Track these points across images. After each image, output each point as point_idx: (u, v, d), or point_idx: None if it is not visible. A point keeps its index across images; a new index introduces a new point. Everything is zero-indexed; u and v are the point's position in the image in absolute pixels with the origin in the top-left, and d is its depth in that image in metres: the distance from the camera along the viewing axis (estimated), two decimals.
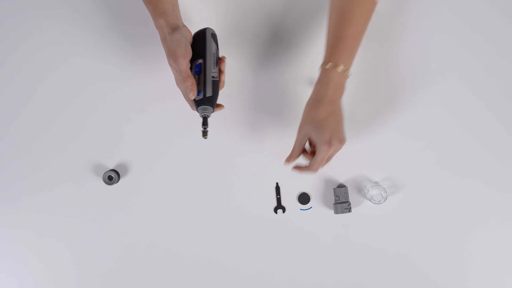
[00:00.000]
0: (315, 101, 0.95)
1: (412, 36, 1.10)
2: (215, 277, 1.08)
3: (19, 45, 1.10)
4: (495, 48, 1.10)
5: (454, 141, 1.09)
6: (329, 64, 0.94)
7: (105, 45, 1.10)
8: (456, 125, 1.09)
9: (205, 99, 0.94)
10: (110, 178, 1.06)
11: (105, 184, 1.07)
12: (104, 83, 1.10)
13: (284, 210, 1.09)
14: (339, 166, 1.08)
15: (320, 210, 1.08)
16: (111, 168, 1.09)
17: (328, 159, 0.97)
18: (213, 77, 0.95)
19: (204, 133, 0.94)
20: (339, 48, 0.95)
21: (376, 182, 1.08)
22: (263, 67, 1.10)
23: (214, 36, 0.98)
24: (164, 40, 0.93)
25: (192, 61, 0.95)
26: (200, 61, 0.95)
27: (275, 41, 1.10)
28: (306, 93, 1.10)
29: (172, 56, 0.92)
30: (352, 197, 1.08)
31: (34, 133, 1.09)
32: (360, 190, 1.09)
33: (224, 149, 1.09)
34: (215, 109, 0.97)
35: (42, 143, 1.09)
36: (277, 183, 1.09)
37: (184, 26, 0.96)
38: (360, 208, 1.08)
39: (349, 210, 1.06)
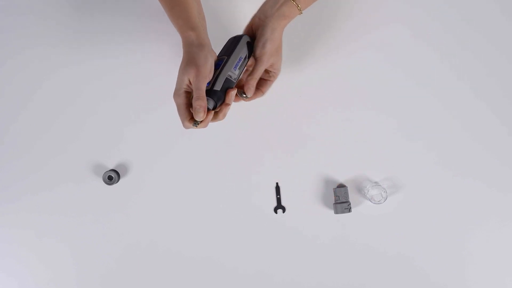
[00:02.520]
0: (275, 30, 0.96)
1: (411, 36, 1.10)
2: (215, 277, 1.08)
3: (19, 45, 1.10)
4: (495, 48, 1.10)
5: (454, 141, 1.09)
6: None
7: (105, 45, 1.10)
8: (456, 125, 1.09)
9: (211, 91, 0.90)
10: (110, 178, 1.06)
11: (105, 184, 1.07)
12: (104, 83, 1.10)
13: (284, 210, 1.09)
14: (339, 166, 1.08)
15: (320, 210, 1.08)
16: (111, 168, 1.09)
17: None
18: (229, 76, 0.93)
19: (195, 122, 0.90)
20: None
21: (376, 182, 1.08)
22: None
23: (249, 43, 0.97)
24: (188, 51, 0.91)
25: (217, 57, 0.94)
26: (224, 57, 0.94)
27: None
28: (305, 92, 1.10)
29: (194, 70, 0.88)
30: (352, 197, 1.08)
31: (34, 133, 1.09)
32: (360, 190, 1.09)
33: (224, 149, 1.09)
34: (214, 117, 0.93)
35: (42, 143, 1.09)
36: (277, 183, 1.09)
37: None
38: (360, 208, 1.08)
39: (349, 210, 1.06)
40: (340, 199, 1.06)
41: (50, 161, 1.08)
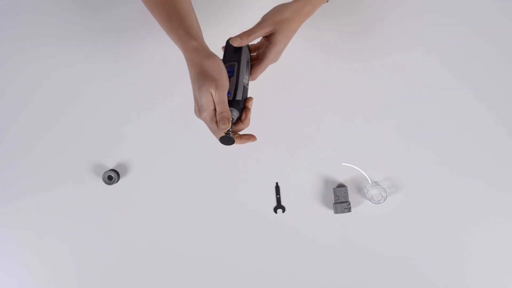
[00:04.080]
0: (294, 10, 0.92)
1: (412, 37, 1.10)
2: (215, 277, 1.08)
3: (19, 45, 1.10)
4: (495, 48, 1.10)
5: (454, 141, 1.09)
6: None
7: (105, 45, 1.10)
8: (456, 125, 1.09)
9: (234, 102, 0.89)
10: (110, 178, 1.06)
11: (105, 184, 1.07)
12: (104, 83, 1.10)
13: (284, 209, 1.09)
14: (339, 166, 1.08)
15: (320, 210, 1.08)
16: (111, 168, 1.09)
17: (265, 67, 0.95)
18: (244, 82, 0.91)
19: (227, 134, 0.87)
20: None
21: (376, 182, 1.08)
22: (264, 72, 1.10)
23: (247, 45, 0.95)
24: (198, 65, 0.87)
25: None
26: (234, 63, 0.91)
27: None
28: (306, 92, 1.10)
29: (214, 84, 0.85)
30: (352, 197, 1.08)
31: (34, 133, 1.09)
32: (360, 190, 1.09)
33: (224, 149, 1.09)
34: (243, 140, 0.91)
35: (42, 143, 1.09)
36: (277, 183, 1.09)
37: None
38: (360, 208, 1.08)
39: (349, 210, 1.06)
40: (340, 199, 1.06)
41: (50, 161, 1.08)
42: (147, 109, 1.09)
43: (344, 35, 1.10)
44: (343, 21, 1.10)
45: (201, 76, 0.86)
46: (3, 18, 1.10)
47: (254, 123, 1.09)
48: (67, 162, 1.09)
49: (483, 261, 1.08)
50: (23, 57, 1.10)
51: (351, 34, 1.09)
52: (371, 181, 1.08)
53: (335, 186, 1.08)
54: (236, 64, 0.92)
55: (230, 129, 0.86)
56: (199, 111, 0.88)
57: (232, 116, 0.88)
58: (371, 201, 1.06)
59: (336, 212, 1.06)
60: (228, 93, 0.88)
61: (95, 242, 1.08)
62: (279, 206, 1.09)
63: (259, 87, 1.10)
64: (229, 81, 0.89)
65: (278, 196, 1.09)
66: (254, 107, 1.09)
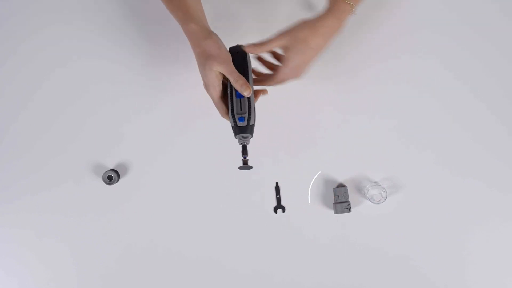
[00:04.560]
0: (313, 25, 0.92)
1: (412, 37, 1.10)
2: (215, 277, 1.08)
3: (20, 44, 1.10)
4: (495, 48, 1.10)
5: (454, 141, 1.09)
6: None
7: (105, 45, 1.10)
8: (456, 125, 1.09)
9: (249, 127, 0.90)
10: (110, 178, 1.06)
11: (105, 184, 1.07)
12: (103, 83, 1.10)
13: (284, 209, 1.09)
14: (339, 166, 1.08)
15: (320, 210, 1.08)
16: (111, 168, 1.09)
17: (280, 81, 0.97)
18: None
19: (245, 163, 0.90)
20: None
21: (376, 182, 1.08)
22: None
23: (249, 57, 0.95)
24: (198, 45, 0.91)
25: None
26: (240, 69, 0.90)
27: None
28: (306, 93, 1.10)
29: (216, 61, 0.88)
30: (352, 197, 1.08)
31: (34, 133, 1.09)
32: (360, 190, 1.09)
33: (224, 148, 1.09)
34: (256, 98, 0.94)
35: (42, 143, 1.09)
36: (277, 183, 1.09)
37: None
38: (360, 208, 1.08)
39: (349, 210, 1.06)
40: (340, 199, 1.06)
41: (50, 161, 1.08)
42: (147, 109, 1.09)
43: (344, 35, 1.10)
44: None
45: (202, 56, 0.90)
46: (3, 18, 1.10)
47: (254, 123, 1.09)
48: (67, 162, 1.09)
49: (483, 261, 1.08)
50: (23, 57, 1.10)
51: (351, 34, 1.09)
52: (371, 181, 1.08)
53: (335, 186, 1.08)
54: (242, 70, 0.92)
55: (247, 157, 0.90)
56: (206, 87, 0.92)
57: (246, 142, 0.90)
58: (371, 201, 1.06)
59: (336, 212, 1.06)
60: (241, 118, 0.89)
61: (95, 242, 1.08)
62: (279, 206, 1.09)
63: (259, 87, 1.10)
64: (239, 102, 0.90)
65: (278, 196, 1.09)
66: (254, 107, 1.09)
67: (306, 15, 0.95)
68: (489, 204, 1.08)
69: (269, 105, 1.10)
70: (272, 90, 1.10)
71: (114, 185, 1.08)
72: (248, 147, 1.08)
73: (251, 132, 0.91)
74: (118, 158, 1.09)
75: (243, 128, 0.90)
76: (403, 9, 1.10)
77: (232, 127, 0.91)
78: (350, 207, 1.06)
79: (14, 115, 1.09)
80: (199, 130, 1.06)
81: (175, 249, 1.08)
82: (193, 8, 0.95)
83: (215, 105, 0.93)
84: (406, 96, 1.09)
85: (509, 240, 1.08)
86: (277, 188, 1.09)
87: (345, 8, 0.93)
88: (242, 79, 0.89)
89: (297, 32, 0.93)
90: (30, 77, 1.10)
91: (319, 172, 1.08)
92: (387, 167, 1.09)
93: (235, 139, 0.92)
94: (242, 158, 0.90)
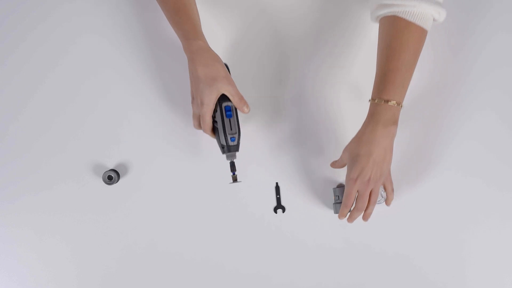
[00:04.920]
0: (360, 135, 0.95)
1: None
2: (215, 277, 1.08)
3: (19, 44, 1.10)
4: (495, 48, 1.10)
5: (454, 141, 1.09)
6: (377, 100, 0.92)
7: (106, 44, 1.10)
8: (456, 125, 1.09)
9: (238, 146, 0.99)
10: (110, 178, 1.06)
11: (105, 184, 1.07)
12: (104, 82, 1.10)
13: (284, 209, 1.09)
14: None
15: (320, 210, 1.08)
16: (111, 168, 1.09)
17: (369, 200, 0.97)
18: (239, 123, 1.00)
19: (235, 179, 1.00)
20: (387, 82, 0.92)
21: None
22: (264, 72, 1.10)
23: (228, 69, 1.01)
24: (205, 65, 0.94)
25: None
26: (230, 103, 0.97)
27: (282, 55, 1.10)
28: (305, 92, 1.10)
29: (224, 81, 0.94)
30: None
31: (34, 133, 1.09)
32: None
33: None
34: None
35: (42, 143, 1.09)
36: (277, 183, 1.09)
37: None
38: None
39: (349, 210, 1.05)
40: (339, 199, 1.06)
41: (50, 161, 1.08)
42: (147, 109, 1.09)
43: (345, 36, 1.10)
44: (343, 21, 1.10)
45: (209, 77, 0.93)
46: (4, 18, 1.10)
47: (254, 124, 1.09)
48: (67, 162, 1.09)
49: (483, 261, 1.08)
50: (22, 57, 1.09)
51: (351, 35, 1.09)
52: None
53: (335, 186, 1.08)
54: (232, 103, 0.98)
55: (236, 173, 1.01)
56: (201, 105, 0.95)
57: (234, 159, 1.00)
58: None
59: (336, 212, 1.06)
60: (232, 138, 0.98)
61: (95, 242, 1.08)
62: (279, 206, 1.09)
63: (259, 87, 1.10)
64: (229, 121, 0.97)
65: (278, 196, 1.09)
66: (254, 108, 1.09)
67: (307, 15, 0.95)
68: (489, 203, 1.08)
69: (269, 105, 1.10)
70: (272, 91, 1.10)
71: (114, 185, 1.08)
72: (248, 147, 1.08)
73: (238, 150, 1.00)
74: (118, 158, 1.09)
75: (233, 147, 0.99)
76: None
77: (223, 145, 0.99)
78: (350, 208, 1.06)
79: (14, 115, 1.09)
80: (200, 131, 1.06)
81: (175, 249, 1.08)
82: (198, 23, 0.97)
83: (205, 121, 0.96)
84: (406, 96, 1.09)
85: (509, 240, 1.08)
86: (277, 188, 1.09)
87: (389, 110, 0.92)
88: (244, 99, 0.97)
89: (349, 147, 0.97)
90: (30, 77, 1.09)
91: (319, 172, 1.08)
92: None
93: (223, 155, 1.01)
94: (232, 174, 1.00)
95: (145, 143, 1.09)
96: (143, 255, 1.08)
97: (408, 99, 1.07)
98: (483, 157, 1.08)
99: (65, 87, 1.10)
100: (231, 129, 0.97)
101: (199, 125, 1.00)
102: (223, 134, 0.97)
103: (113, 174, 1.06)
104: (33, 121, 1.09)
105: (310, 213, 1.08)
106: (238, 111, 0.99)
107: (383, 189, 1.05)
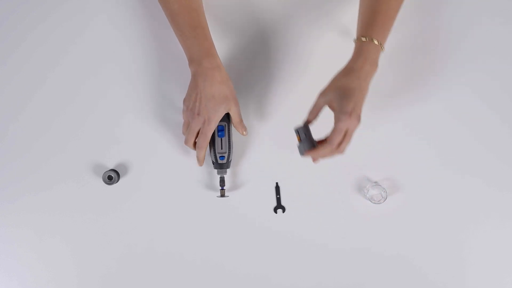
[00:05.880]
0: (348, 70, 0.93)
1: (411, 38, 1.10)
2: (215, 277, 1.08)
3: (19, 44, 1.10)
4: (495, 48, 1.10)
5: (454, 141, 1.09)
6: (367, 38, 0.93)
7: (105, 44, 1.10)
8: (457, 125, 1.09)
9: (228, 163, 1.04)
10: (110, 178, 1.06)
11: (105, 184, 1.07)
12: (104, 82, 1.10)
13: (284, 210, 1.09)
14: (339, 166, 1.08)
15: (319, 210, 1.08)
16: (111, 168, 1.09)
17: (346, 135, 0.91)
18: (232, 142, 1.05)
19: (222, 195, 1.05)
20: (374, 23, 0.94)
21: (376, 182, 1.08)
22: (262, 71, 1.10)
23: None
24: (221, 82, 0.96)
25: None
26: (223, 123, 1.03)
27: (275, 45, 1.11)
28: (305, 92, 1.10)
29: (233, 102, 0.99)
30: (352, 197, 1.08)
31: (34, 133, 1.09)
32: (360, 190, 1.09)
33: None
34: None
35: (41, 143, 1.09)
36: (277, 183, 1.09)
37: None
38: (360, 208, 1.08)
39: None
40: (306, 137, 0.96)
41: (50, 161, 1.08)
42: (147, 109, 1.09)
43: (344, 36, 1.10)
44: (342, 22, 1.10)
45: (221, 96, 0.97)
46: (3, 18, 1.10)
47: (254, 124, 1.09)
48: (67, 162, 1.09)
49: (483, 260, 1.08)
50: (22, 57, 1.09)
51: (351, 34, 1.09)
52: (371, 181, 1.08)
53: (297, 127, 0.98)
54: (226, 123, 1.03)
55: (224, 188, 1.05)
56: (207, 121, 0.97)
57: (224, 174, 1.05)
58: (371, 201, 1.06)
59: (302, 153, 0.96)
60: (221, 157, 1.03)
61: (95, 242, 1.08)
62: (279, 206, 1.09)
63: (259, 87, 1.10)
64: (220, 141, 1.03)
65: (278, 196, 1.09)
66: (254, 108, 1.09)
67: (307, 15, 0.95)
68: (489, 203, 1.08)
69: (269, 105, 1.10)
70: (272, 90, 1.10)
71: (114, 185, 1.08)
72: (248, 147, 1.08)
73: (228, 167, 1.05)
74: (118, 158, 1.09)
75: (222, 165, 1.04)
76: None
77: (213, 162, 1.04)
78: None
79: (14, 115, 1.09)
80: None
81: (175, 249, 1.08)
82: (212, 41, 0.99)
83: (206, 138, 0.99)
84: (405, 95, 1.09)
85: (509, 240, 1.08)
86: (277, 188, 1.09)
87: (375, 49, 0.93)
88: (243, 122, 1.04)
89: (335, 83, 0.94)
90: (30, 77, 1.10)
91: (319, 172, 1.08)
92: (387, 167, 1.09)
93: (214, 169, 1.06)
94: (220, 189, 1.05)
95: (145, 143, 1.09)
96: (143, 255, 1.08)
97: (415, 98, 1.07)
98: (483, 157, 1.08)
99: (65, 87, 1.10)
100: (221, 148, 1.03)
101: (193, 140, 1.01)
102: (213, 152, 1.03)
103: (113, 174, 1.06)
104: (33, 121, 1.09)
105: (310, 213, 1.08)
106: (232, 131, 1.04)
107: (383, 189, 1.05)
